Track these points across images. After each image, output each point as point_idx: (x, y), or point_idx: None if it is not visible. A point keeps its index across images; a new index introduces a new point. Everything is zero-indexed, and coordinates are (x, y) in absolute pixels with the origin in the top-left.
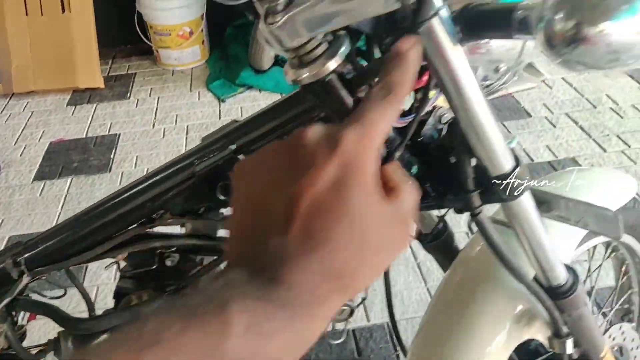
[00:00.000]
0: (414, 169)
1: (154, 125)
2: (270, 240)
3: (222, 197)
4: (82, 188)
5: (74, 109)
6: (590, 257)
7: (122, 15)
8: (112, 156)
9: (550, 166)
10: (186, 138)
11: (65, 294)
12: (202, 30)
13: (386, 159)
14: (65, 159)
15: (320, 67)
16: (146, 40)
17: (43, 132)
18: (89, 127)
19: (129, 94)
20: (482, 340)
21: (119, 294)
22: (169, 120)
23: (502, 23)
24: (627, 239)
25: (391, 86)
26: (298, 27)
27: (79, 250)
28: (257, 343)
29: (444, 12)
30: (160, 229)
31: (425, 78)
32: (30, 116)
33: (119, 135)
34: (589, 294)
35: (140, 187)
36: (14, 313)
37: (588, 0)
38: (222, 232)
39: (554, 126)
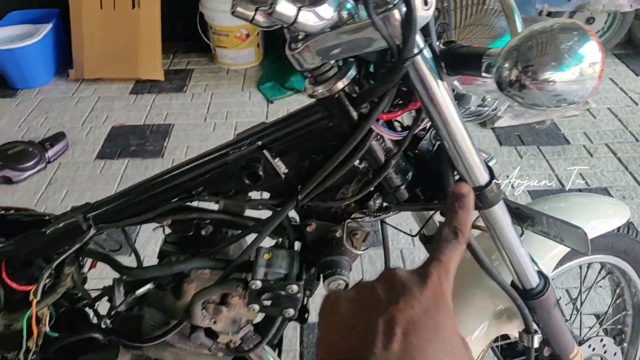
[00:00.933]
0: (410, 176)
1: (205, 119)
2: (370, 355)
3: (247, 182)
4: (137, 170)
5: (136, 97)
6: (582, 277)
7: (185, 14)
8: (165, 144)
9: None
10: (234, 134)
11: (120, 248)
12: (258, 34)
13: (385, 165)
14: (124, 143)
15: (332, 86)
16: (205, 39)
17: (107, 116)
18: (147, 115)
19: (185, 88)
20: (464, 329)
21: (162, 255)
22: (220, 115)
23: (474, 64)
24: (619, 263)
25: (458, 228)
26: (313, 54)
27: (134, 214)
28: None
29: (426, 52)
30: (201, 205)
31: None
32: (97, 101)
33: (173, 125)
34: (577, 311)
35: (184, 168)
36: (80, 259)
37: (526, 55)
38: (247, 212)
39: (591, 155)
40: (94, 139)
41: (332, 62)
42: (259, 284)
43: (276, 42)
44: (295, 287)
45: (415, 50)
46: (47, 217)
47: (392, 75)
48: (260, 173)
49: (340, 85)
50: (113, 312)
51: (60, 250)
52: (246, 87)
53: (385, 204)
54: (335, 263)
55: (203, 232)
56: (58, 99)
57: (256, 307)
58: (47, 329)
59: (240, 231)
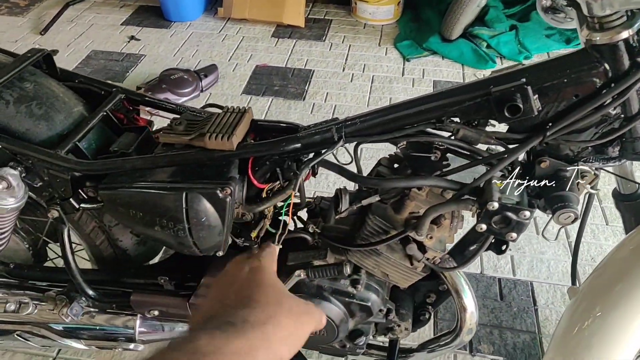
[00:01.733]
0: None
1: (344, 69)
2: (225, 308)
3: (508, 115)
4: (280, 109)
5: (277, 40)
6: None
7: None
8: (306, 87)
9: None
10: (371, 87)
11: (350, 163)
12: None
13: (638, 115)
14: (267, 82)
15: (615, 34)
16: None
17: (251, 55)
18: (288, 58)
19: (324, 37)
20: None
21: (377, 175)
22: (357, 67)
23: None
24: None
25: (323, 319)
26: (612, 1)
27: (381, 131)
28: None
29: None
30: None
31: None
32: (242, 40)
33: (313, 71)
34: None
35: (441, 94)
36: (315, 167)
37: None
38: (480, 145)
39: None
40: (240, 75)
41: (624, 10)
42: (496, 205)
43: (414, 1)
44: (528, 213)
45: None
46: (295, 126)
47: None
48: (521, 106)
49: (625, 34)
50: (337, 216)
51: (306, 156)
52: (383, 43)
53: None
54: (566, 197)
55: (432, 157)
56: (206, 34)
57: (484, 226)
58: (267, 225)
59: (468, 162)
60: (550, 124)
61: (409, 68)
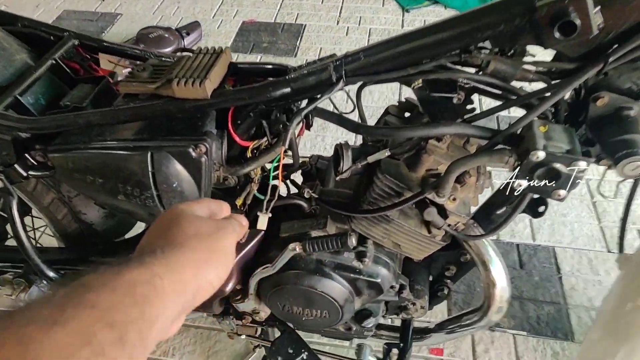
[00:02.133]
0: None
1: (338, 22)
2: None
3: (558, 37)
4: None
5: None
6: None
7: None
8: (297, 43)
9: None
10: (368, 40)
11: (352, 111)
12: None
13: None
14: (255, 38)
15: None
16: None
17: (237, 10)
18: (277, 13)
19: None
20: None
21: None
22: (352, 20)
23: None
24: None
25: (242, 223)
26: None
27: (391, 68)
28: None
29: None
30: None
31: None
32: None
33: (305, 25)
34: None
35: (466, 17)
36: (310, 117)
37: None
38: (514, 83)
39: None
40: (226, 32)
41: None
42: (542, 155)
43: None
44: (584, 164)
45: None
46: (283, 67)
47: None
48: (577, 23)
49: None
50: (337, 178)
51: (298, 104)
52: None
53: None
54: (632, 142)
55: (455, 100)
56: None
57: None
58: (255, 190)
59: (501, 103)
60: (613, 48)
61: (408, 19)
